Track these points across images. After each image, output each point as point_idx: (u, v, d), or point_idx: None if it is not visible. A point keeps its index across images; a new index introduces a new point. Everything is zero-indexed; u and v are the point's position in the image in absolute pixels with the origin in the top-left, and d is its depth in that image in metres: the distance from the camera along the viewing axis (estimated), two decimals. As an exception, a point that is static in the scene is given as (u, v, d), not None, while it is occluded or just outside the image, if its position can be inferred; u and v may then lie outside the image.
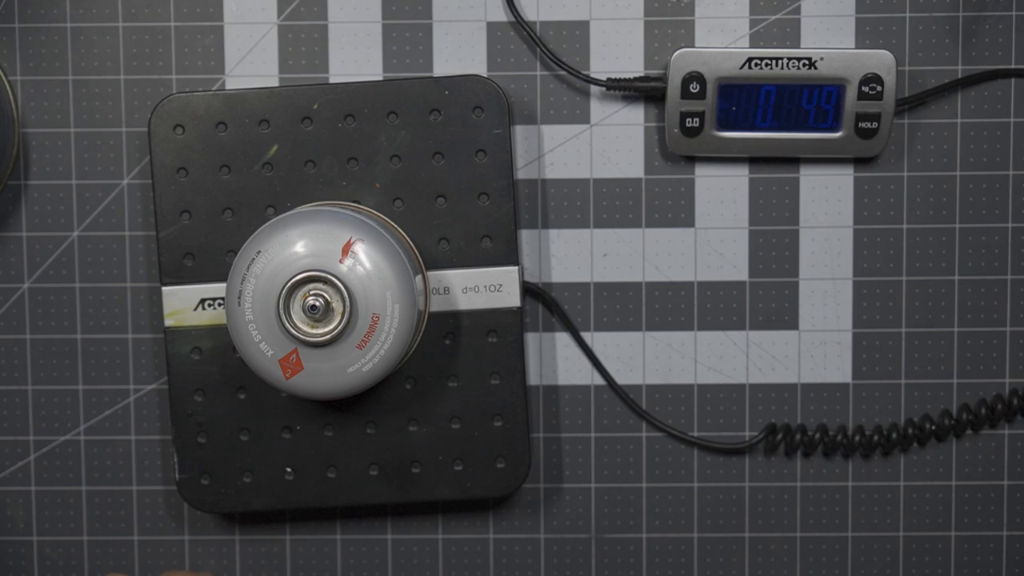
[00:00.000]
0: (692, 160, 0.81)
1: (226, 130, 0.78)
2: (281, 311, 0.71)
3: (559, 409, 0.82)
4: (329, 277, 0.70)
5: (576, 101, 0.80)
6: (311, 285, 0.71)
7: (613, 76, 0.80)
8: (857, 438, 0.81)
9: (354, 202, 0.78)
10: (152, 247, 0.81)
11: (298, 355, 0.71)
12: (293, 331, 0.71)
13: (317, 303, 0.70)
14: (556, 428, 0.82)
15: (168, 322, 0.78)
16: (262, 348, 0.72)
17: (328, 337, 0.71)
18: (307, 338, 0.71)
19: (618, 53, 0.80)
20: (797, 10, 0.80)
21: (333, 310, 0.71)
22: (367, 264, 0.71)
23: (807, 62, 0.78)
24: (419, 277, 0.75)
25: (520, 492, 0.82)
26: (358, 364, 0.71)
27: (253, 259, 0.71)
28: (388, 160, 0.78)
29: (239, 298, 0.71)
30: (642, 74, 0.80)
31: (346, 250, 0.71)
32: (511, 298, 0.78)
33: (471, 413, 0.79)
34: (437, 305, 0.78)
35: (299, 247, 0.71)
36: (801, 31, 0.80)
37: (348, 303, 0.70)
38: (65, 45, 0.80)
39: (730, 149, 0.79)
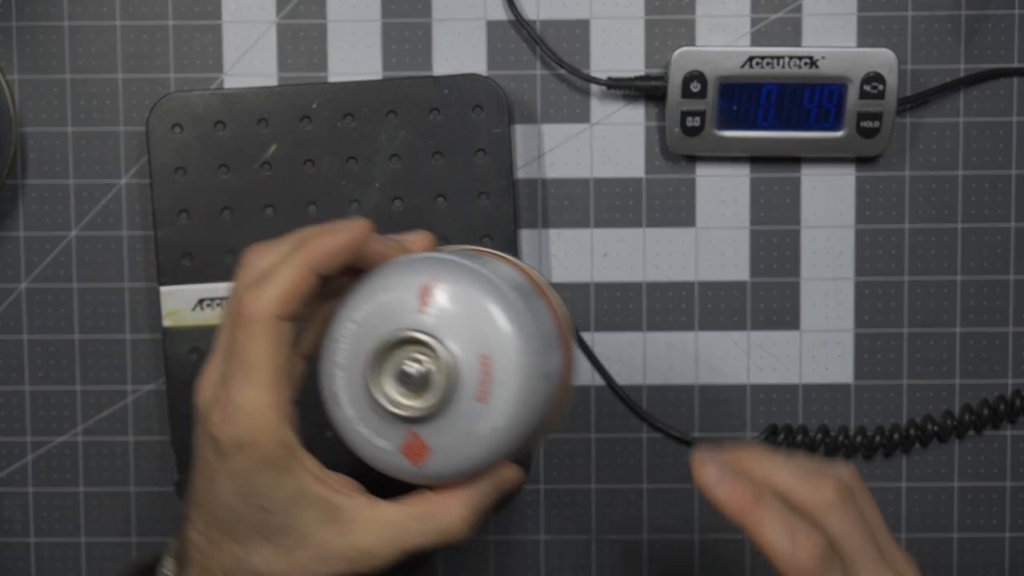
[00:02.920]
0: (693, 160, 0.80)
1: (225, 129, 0.78)
2: (376, 394, 0.59)
3: (559, 410, 0.81)
4: (411, 335, 0.58)
5: (576, 100, 0.80)
6: (395, 352, 0.59)
7: (613, 75, 0.79)
8: (859, 439, 0.80)
9: (353, 202, 0.77)
10: (150, 247, 0.80)
11: (416, 436, 0.59)
12: (398, 410, 0.59)
13: (409, 369, 0.58)
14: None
15: (166, 322, 0.78)
16: (377, 444, 0.60)
17: (437, 401, 0.58)
18: (415, 413, 0.59)
19: (618, 52, 0.80)
20: (798, 9, 0.79)
21: (430, 369, 0.59)
22: (448, 303, 0.59)
23: (808, 61, 0.77)
24: (542, 302, 0.63)
25: (520, 493, 0.82)
26: (487, 420, 0.59)
27: (333, 352, 0.60)
28: (388, 160, 0.78)
29: (335, 400, 0.60)
30: (643, 73, 0.80)
31: (424, 297, 0.59)
32: (511, 298, 0.78)
33: (471, 414, 0.78)
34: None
35: (366, 313, 0.59)
36: (802, 30, 0.79)
37: (443, 353, 0.58)
38: (63, 44, 0.80)
39: (731, 149, 0.79)
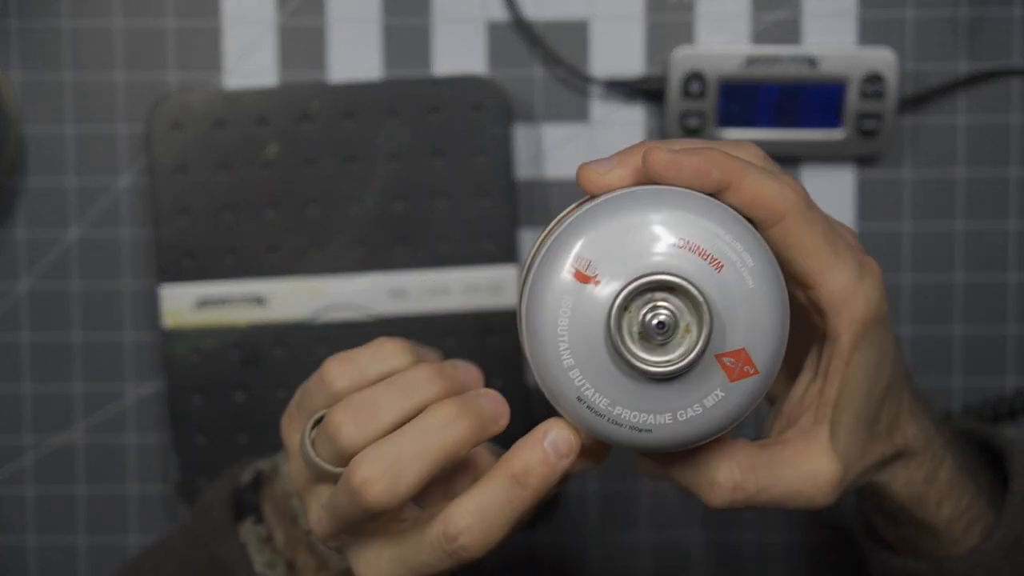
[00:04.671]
0: (693, 160, 0.80)
1: (224, 129, 0.78)
2: (632, 368, 0.51)
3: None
4: (647, 283, 0.51)
5: (576, 101, 0.80)
6: (631, 308, 0.52)
7: (613, 75, 0.79)
8: (859, 439, 0.80)
9: (353, 202, 0.77)
10: (151, 246, 0.80)
11: (726, 357, 0.52)
12: (693, 355, 0.51)
13: (660, 318, 0.51)
14: (556, 429, 0.81)
15: (166, 322, 0.78)
16: (705, 391, 0.53)
17: (707, 313, 0.51)
18: (688, 358, 0.51)
19: (618, 52, 0.80)
20: (798, 8, 0.79)
21: (670, 300, 0.51)
22: (606, 246, 0.52)
23: (808, 61, 0.77)
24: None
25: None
26: (745, 276, 0.52)
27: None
28: (388, 160, 0.78)
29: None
30: (642, 74, 0.80)
31: (582, 275, 0.52)
32: (511, 298, 0.78)
33: (471, 414, 0.78)
34: (436, 305, 0.78)
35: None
36: (802, 30, 0.79)
37: (674, 279, 0.51)
38: (63, 44, 0.80)
39: (731, 148, 0.79)
